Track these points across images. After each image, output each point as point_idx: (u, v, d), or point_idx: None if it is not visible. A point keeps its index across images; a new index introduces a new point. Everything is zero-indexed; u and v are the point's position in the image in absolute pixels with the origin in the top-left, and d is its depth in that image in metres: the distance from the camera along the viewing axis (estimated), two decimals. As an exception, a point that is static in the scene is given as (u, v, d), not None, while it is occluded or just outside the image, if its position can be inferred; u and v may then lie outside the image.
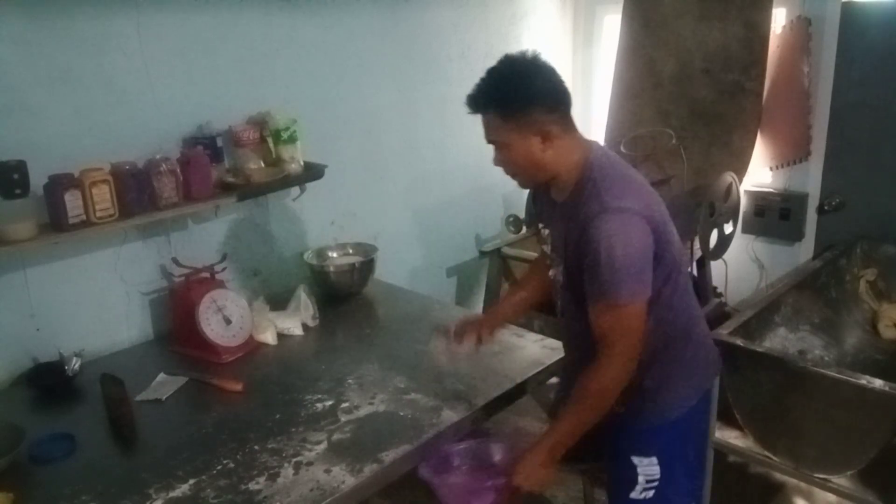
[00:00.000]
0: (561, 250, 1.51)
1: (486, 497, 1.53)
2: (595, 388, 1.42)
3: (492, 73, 1.41)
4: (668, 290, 1.48)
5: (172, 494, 1.47)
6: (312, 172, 2.39)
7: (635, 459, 1.60)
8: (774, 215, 3.20)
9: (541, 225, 1.63)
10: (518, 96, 1.38)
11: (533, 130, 1.39)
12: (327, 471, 1.53)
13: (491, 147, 1.51)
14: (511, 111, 1.39)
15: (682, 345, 1.57)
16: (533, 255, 2.97)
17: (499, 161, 1.46)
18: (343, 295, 2.54)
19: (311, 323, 2.30)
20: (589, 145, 1.48)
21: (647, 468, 1.59)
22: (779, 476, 2.53)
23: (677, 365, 1.57)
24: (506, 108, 1.39)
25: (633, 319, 1.38)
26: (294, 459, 1.57)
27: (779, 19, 3.03)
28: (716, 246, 3.02)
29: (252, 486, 1.49)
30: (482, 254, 3.03)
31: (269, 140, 2.35)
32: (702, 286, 3.16)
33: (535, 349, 2.05)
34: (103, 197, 1.92)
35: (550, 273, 1.61)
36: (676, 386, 1.58)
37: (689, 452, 1.69)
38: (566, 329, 1.71)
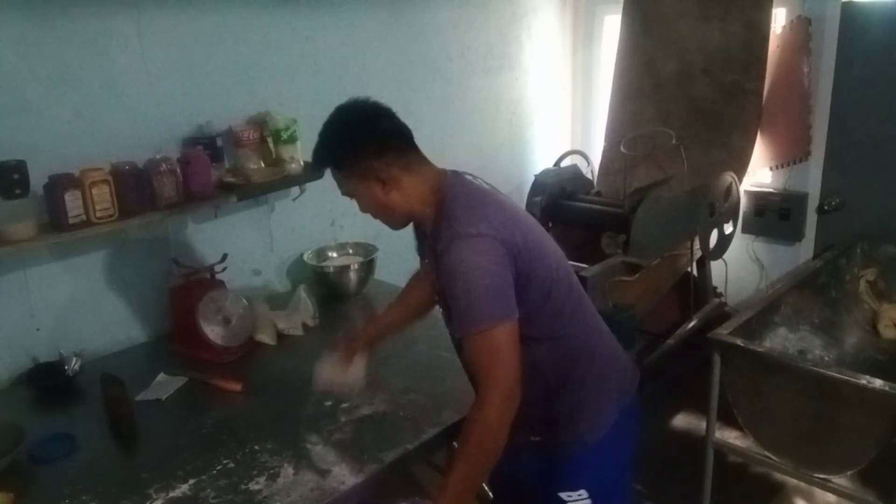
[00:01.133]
0: (438, 285, 1.45)
1: None
2: (479, 426, 1.29)
3: (323, 130, 1.43)
4: (550, 310, 1.41)
5: (172, 494, 1.47)
6: (312, 172, 2.39)
7: (563, 495, 1.50)
8: (774, 215, 3.20)
9: (428, 265, 1.58)
10: (343, 149, 1.40)
11: (371, 177, 1.39)
12: (327, 471, 1.53)
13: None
14: (342, 164, 1.41)
15: (587, 364, 1.48)
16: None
17: (361, 210, 1.47)
18: (343, 295, 2.54)
19: (311, 323, 2.30)
20: (442, 177, 1.45)
21: (578, 502, 1.50)
22: (779, 476, 2.53)
23: (586, 386, 1.49)
24: (337, 163, 1.42)
25: (501, 343, 1.29)
26: (294, 459, 1.57)
27: (779, 19, 3.03)
28: (716, 246, 3.02)
29: (252, 486, 1.49)
30: (482, 254, 3.02)
31: (269, 140, 2.35)
32: (702, 286, 3.16)
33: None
34: (103, 197, 1.92)
35: (439, 309, 1.56)
36: (590, 408, 1.50)
37: (621, 475, 1.61)
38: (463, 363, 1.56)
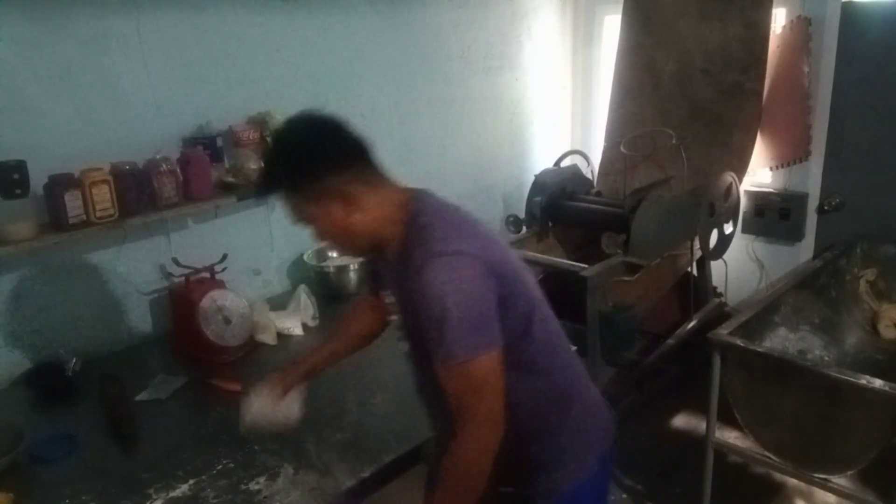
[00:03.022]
0: (402, 316, 1.32)
1: None
2: (460, 466, 1.19)
3: (270, 150, 1.27)
4: (531, 337, 1.28)
5: (172, 494, 1.47)
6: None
7: None
8: (774, 215, 3.20)
9: (388, 291, 1.42)
10: (297, 168, 1.22)
11: (329, 197, 1.22)
12: (327, 471, 1.53)
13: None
14: (296, 186, 1.23)
15: (565, 405, 1.35)
16: (533, 255, 2.97)
17: (315, 237, 1.30)
18: (343, 295, 2.53)
19: (311, 323, 2.30)
20: (410, 192, 1.31)
21: None
22: (779, 476, 2.53)
23: (565, 430, 1.35)
24: (290, 186, 1.24)
25: (486, 374, 1.16)
26: (294, 459, 1.57)
27: (779, 19, 3.03)
28: (716, 246, 3.02)
29: (252, 486, 1.49)
30: (482, 254, 3.03)
31: (269, 140, 2.35)
32: (702, 286, 3.16)
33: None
34: (103, 197, 1.92)
35: (402, 347, 1.40)
36: (570, 456, 1.36)
37: None
38: (426, 406, 1.46)
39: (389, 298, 1.42)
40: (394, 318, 1.45)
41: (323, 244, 1.32)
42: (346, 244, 1.33)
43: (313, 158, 1.22)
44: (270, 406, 1.49)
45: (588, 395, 1.43)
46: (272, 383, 1.50)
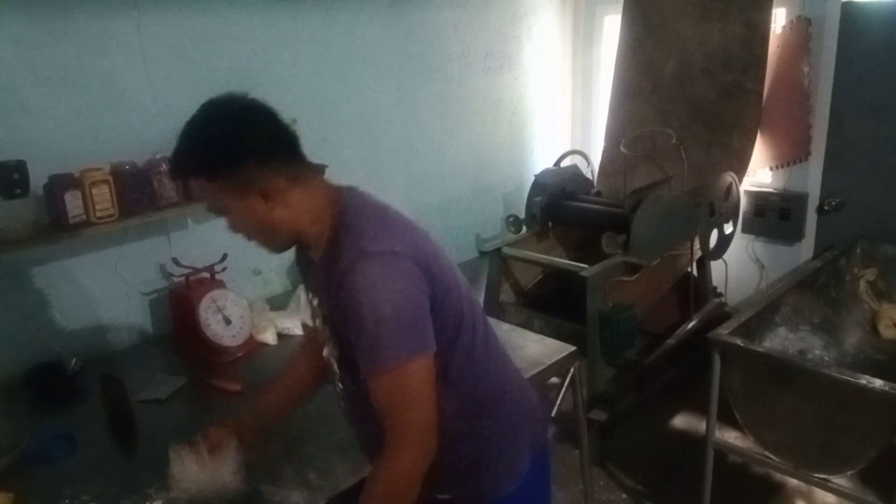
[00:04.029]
0: (329, 323, 1.23)
1: None
2: (389, 477, 1.12)
3: (186, 129, 1.16)
4: (459, 346, 1.22)
5: (172, 494, 1.47)
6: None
7: None
8: (774, 215, 3.20)
9: (309, 295, 1.32)
10: (219, 154, 1.12)
11: (250, 190, 1.13)
12: (328, 471, 1.53)
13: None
14: (214, 173, 1.13)
15: (495, 408, 1.30)
16: (534, 255, 2.97)
17: (229, 228, 1.21)
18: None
19: (311, 323, 2.29)
20: (338, 189, 1.23)
21: None
22: (779, 476, 2.53)
23: (495, 433, 1.31)
24: (208, 171, 1.13)
25: (418, 381, 1.10)
26: (294, 459, 1.57)
27: (779, 19, 3.03)
28: (716, 246, 3.02)
29: (252, 486, 1.48)
30: (482, 254, 3.03)
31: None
32: (702, 286, 3.17)
33: (536, 349, 2.05)
34: (103, 197, 1.92)
35: (325, 352, 1.31)
36: (501, 458, 1.32)
37: None
38: (349, 417, 1.38)
39: (313, 300, 1.30)
40: (317, 322, 1.31)
41: (237, 236, 1.20)
42: (264, 240, 1.23)
43: (235, 145, 1.12)
44: (202, 467, 1.30)
45: (519, 395, 1.37)
46: (204, 440, 1.34)
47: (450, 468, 1.23)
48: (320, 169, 1.24)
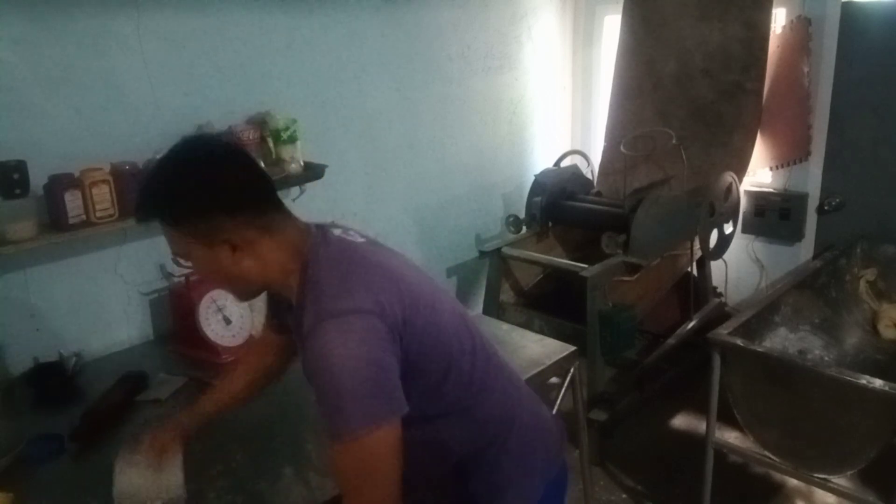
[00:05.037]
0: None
1: None
2: None
3: (154, 170, 1.11)
4: (454, 382, 1.16)
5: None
6: (312, 172, 2.39)
7: None
8: (774, 215, 3.20)
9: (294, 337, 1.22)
10: (184, 202, 1.05)
11: (217, 241, 1.07)
12: (328, 471, 1.53)
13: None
14: (181, 222, 1.07)
15: (505, 436, 1.25)
16: (534, 255, 2.97)
17: (195, 273, 1.20)
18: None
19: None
20: (305, 235, 1.15)
21: None
22: (779, 476, 2.53)
23: (506, 462, 1.25)
24: (174, 219, 1.07)
25: (380, 452, 1.02)
26: (295, 459, 1.57)
27: (779, 19, 3.03)
28: (716, 246, 3.02)
29: (253, 486, 1.49)
30: (482, 254, 3.03)
31: (269, 140, 2.35)
32: (702, 286, 3.17)
33: (536, 349, 2.05)
34: (103, 197, 1.92)
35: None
36: (513, 488, 1.26)
37: None
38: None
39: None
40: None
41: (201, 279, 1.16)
42: (231, 289, 1.18)
43: (202, 193, 1.05)
44: (146, 475, 1.25)
45: (530, 418, 1.31)
46: (146, 443, 1.29)
47: (456, 500, 1.20)
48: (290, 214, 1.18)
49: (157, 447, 1.30)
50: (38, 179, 1.87)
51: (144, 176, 1.07)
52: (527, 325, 2.55)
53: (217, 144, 1.12)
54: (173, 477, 1.26)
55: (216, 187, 1.06)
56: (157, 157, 1.04)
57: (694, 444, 2.62)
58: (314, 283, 1.08)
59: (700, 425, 2.68)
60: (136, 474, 1.26)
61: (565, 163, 3.46)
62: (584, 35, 3.71)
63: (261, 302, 2.28)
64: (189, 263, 1.15)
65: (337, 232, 1.17)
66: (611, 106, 3.42)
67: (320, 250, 1.12)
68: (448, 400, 1.17)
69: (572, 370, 2.06)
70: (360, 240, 1.19)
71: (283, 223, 1.14)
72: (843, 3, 2.84)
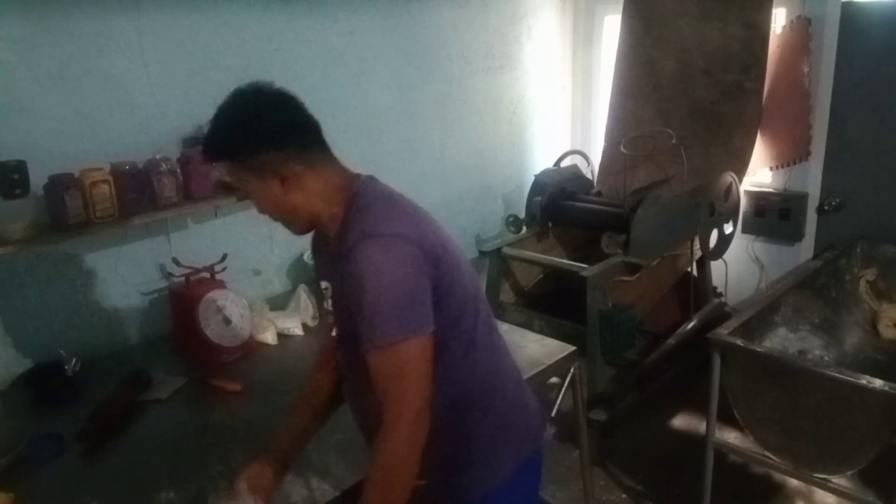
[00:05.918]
0: (335, 300, 1.29)
1: None
2: (387, 455, 1.15)
3: (215, 116, 1.24)
4: (458, 335, 1.25)
5: (173, 494, 1.47)
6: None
7: None
8: (774, 215, 3.20)
9: (322, 283, 1.35)
10: (239, 140, 1.21)
11: (268, 173, 1.21)
12: (328, 471, 1.53)
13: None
14: (235, 156, 1.22)
15: (484, 407, 1.31)
16: (534, 255, 2.97)
17: (258, 210, 1.29)
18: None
19: (311, 323, 2.30)
20: (354, 176, 1.30)
21: None
22: (779, 476, 2.53)
23: (478, 435, 1.31)
24: (231, 155, 1.22)
25: (414, 358, 1.13)
26: (294, 459, 1.57)
27: (779, 19, 3.03)
28: (716, 246, 3.02)
29: None
30: (482, 254, 3.03)
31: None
32: (702, 286, 3.17)
33: (536, 349, 2.05)
34: (103, 197, 1.92)
35: (333, 332, 1.35)
36: (479, 459, 1.32)
37: None
38: (351, 398, 1.41)
39: (323, 284, 1.34)
40: (326, 304, 1.35)
41: (264, 216, 1.28)
42: (284, 220, 1.30)
43: (253, 131, 1.20)
44: None
45: (514, 396, 1.38)
46: (243, 492, 1.30)
47: (427, 456, 1.21)
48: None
49: (251, 485, 1.31)
50: (38, 179, 1.87)
51: (209, 122, 1.24)
52: (527, 325, 2.55)
53: (267, 90, 1.24)
54: None
55: (264, 126, 1.20)
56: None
57: (694, 444, 2.62)
58: (360, 211, 1.21)
59: (700, 425, 2.68)
60: None
61: (565, 163, 3.46)
62: (584, 35, 3.71)
63: (261, 302, 2.29)
64: (250, 197, 1.27)
65: (380, 181, 1.32)
66: (611, 106, 3.42)
67: (369, 188, 1.27)
68: (448, 348, 1.24)
69: (572, 370, 2.05)
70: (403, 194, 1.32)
71: (326, 161, 1.27)
72: (843, 3, 2.84)
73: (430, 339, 1.15)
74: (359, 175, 1.30)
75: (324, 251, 1.33)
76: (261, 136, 1.20)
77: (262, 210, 1.28)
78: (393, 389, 1.14)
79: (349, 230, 1.19)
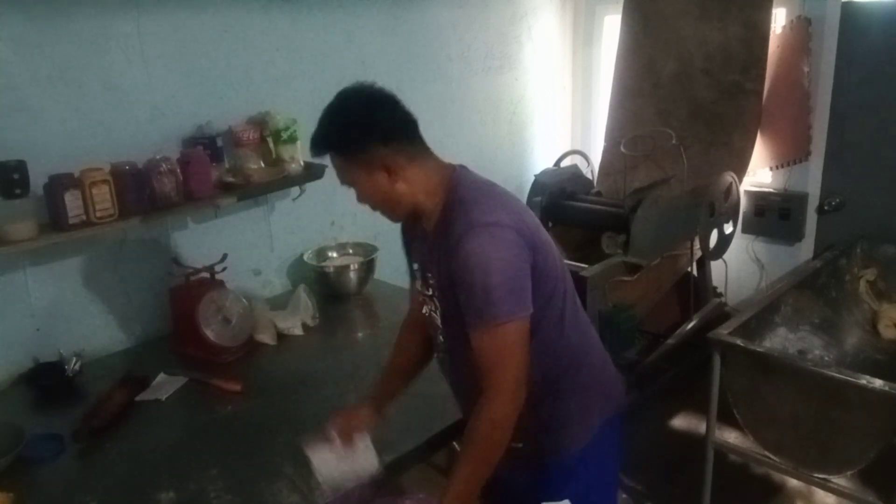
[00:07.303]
0: (436, 284, 1.40)
1: None
2: (486, 423, 1.27)
3: (325, 114, 1.35)
4: (551, 312, 1.38)
5: (172, 494, 1.47)
6: (312, 172, 2.39)
7: None
8: (774, 215, 3.20)
9: (414, 264, 1.50)
10: (348, 135, 1.31)
11: (375, 166, 1.32)
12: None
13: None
14: (346, 151, 1.33)
15: (574, 372, 1.46)
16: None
17: (358, 200, 1.39)
18: (343, 295, 2.54)
19: (311, 323, 2.30)
20: (450, 168, 1.41)
21: None
22: (779, 476, 2.53)
23: (571, 395, 1.46)
24: (341, 149, 1.33)
25: (516, 338, 1.27)
26: (295, 459, 1.57)
27: (779, 19, 3.03)
28: (716, 246, 3.02)
29: (253, 486, 1.49)
30: (482, 254, 3.03)
31: (269, 140, 2.35)
32: (702, 286, 3.16)
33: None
34: (103, 197, 1.92)
35: (423, 310, 1.49)
36: (573, 418, 1.47)
37: (604, 490, 1.59)
38: (453, 373, 1.54)
39: (414, 266, 1.49)
40: (417, 284, 1.49)
41: (363, 205, 1.39)
42: (386, 209, 1.40)
43: (364, 128, 1.31)
44: (344, 458, 1.43)
45: (599, 364, 1.53)
46: (335, 429, 1.48)
47: (526, 421, 1.34)
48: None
49: (346, 433, 1.48)
50: (38, 179, 1.87)
51: (318, 120, 1.35)
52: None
53: (371, 89, 1.36)
54: (369, 455, 1.45)
55: (373, 123, 1.31)
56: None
57: (694, 444, 2.62)
58: (462, 201, 1.31)
59: (700, 425, 2.68)
60: (333, 458, 1.43)
61: (565, 163, 3.46)
62: (584, 35, 3.71)
63: (261, 302, 2.30)
64: (355, 190, 1.37)
65: (474, 172, 1.43)
66: (611, 106, 3.42)
67: (467, 179, 1.38)
68: (544, 326, 1.37)
69: (572, 370, 2.05)
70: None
71: (426, 155, 1.39)
72: (843, 3, 2.84)
73: (528, 321, 1.28)
74: (454, 166, 1.41)
75: (419, 235, 1.44)
76: (371, 133, 1.30)
77: (363, 200, 1.38)
78: (495, 365, 1.27)
79: (454, 220, 1.29)
